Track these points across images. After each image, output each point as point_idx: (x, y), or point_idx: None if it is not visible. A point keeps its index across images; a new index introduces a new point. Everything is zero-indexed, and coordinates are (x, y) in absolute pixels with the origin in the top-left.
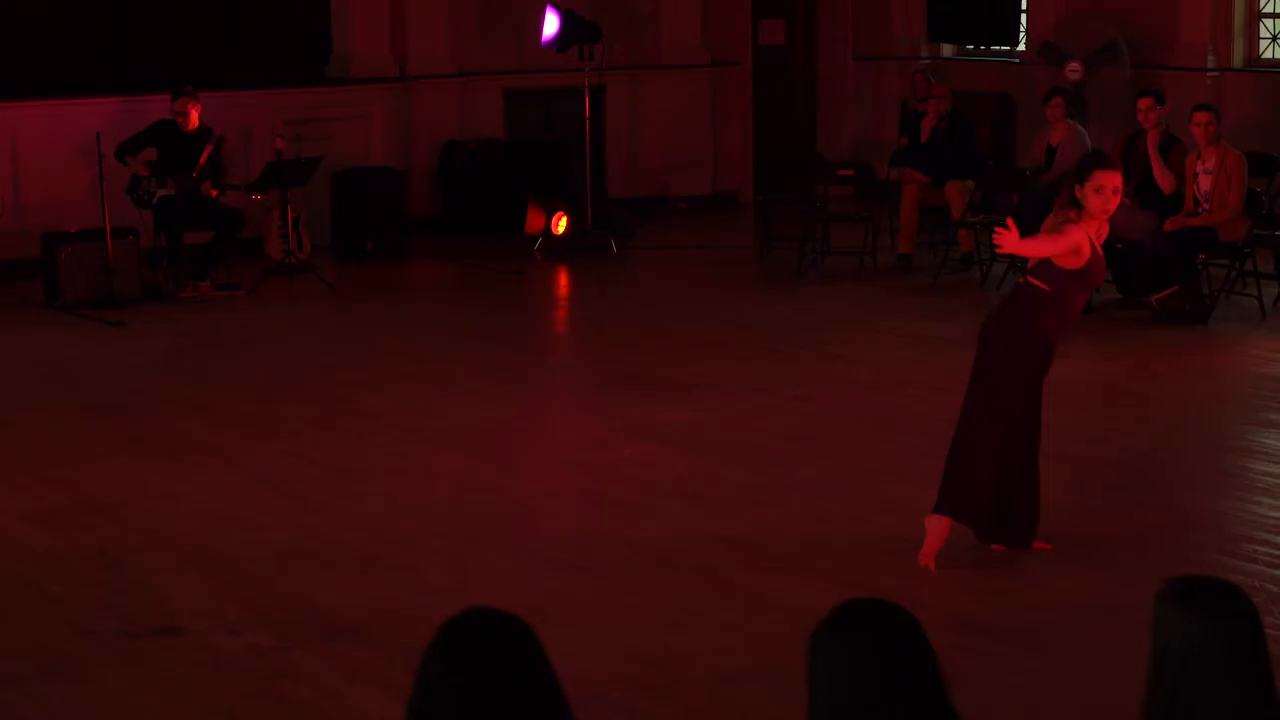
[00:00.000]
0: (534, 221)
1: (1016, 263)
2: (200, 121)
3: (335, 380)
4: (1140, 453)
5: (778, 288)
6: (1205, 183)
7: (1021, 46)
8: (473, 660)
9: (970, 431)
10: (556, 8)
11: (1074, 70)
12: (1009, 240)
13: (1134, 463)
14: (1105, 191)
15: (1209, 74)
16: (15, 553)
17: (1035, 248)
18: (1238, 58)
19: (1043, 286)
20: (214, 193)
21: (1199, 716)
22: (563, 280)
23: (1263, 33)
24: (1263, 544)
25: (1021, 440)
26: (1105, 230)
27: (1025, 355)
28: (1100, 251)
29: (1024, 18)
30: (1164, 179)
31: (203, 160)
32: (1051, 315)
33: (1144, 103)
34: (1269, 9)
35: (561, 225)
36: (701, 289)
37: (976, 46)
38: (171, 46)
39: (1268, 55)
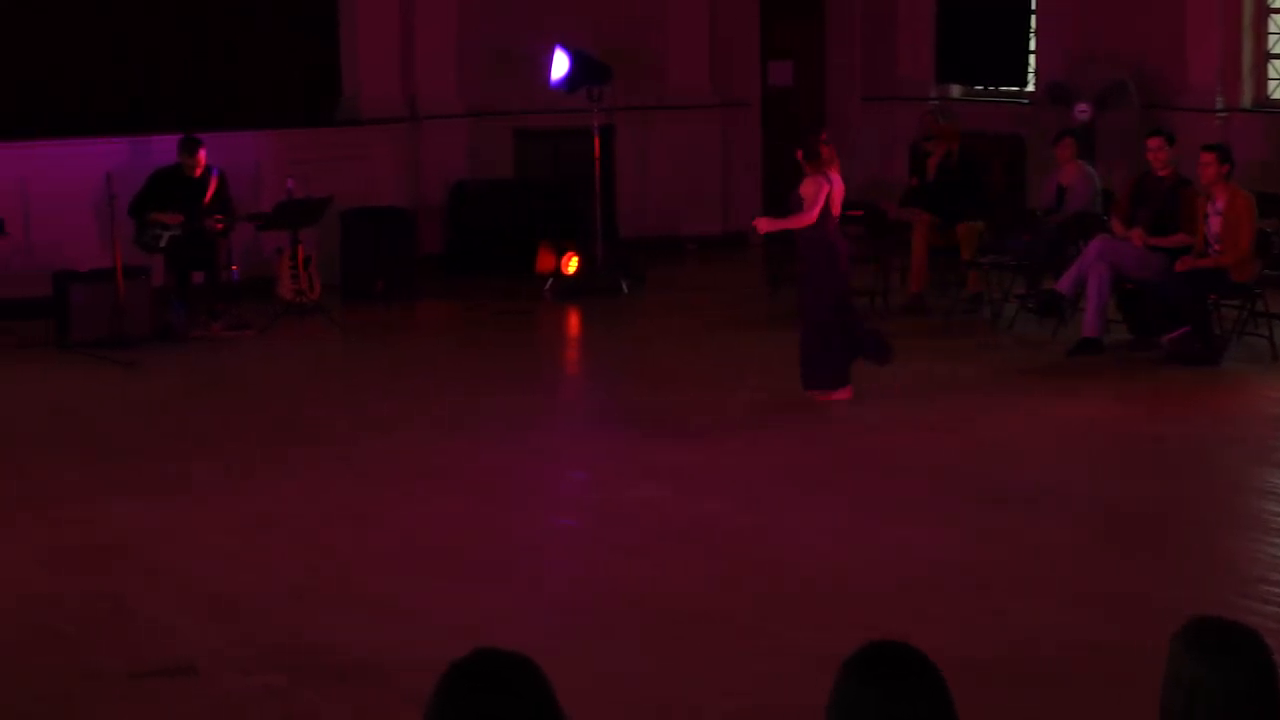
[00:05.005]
0: (544, 262)
1: (1028, 303)
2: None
3: (344, 421)
4: (1153, 495)
5: (787, 328)
6: (1215, 224)
7: (1030, 87)
8: (481, 701)
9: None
10: (566, 49)
11: (1083, 111)
12: None
13: (1147, 505)
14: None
15: (1218, 115)
16: (25, 593)
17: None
18: (1246, 98)
19: None
20: (219, 226)
21: None
22: (573, 321)
23: (1271, 73)
24: (1278, 585)
25: None
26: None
27: None
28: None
29: (1032, 59)
30: (1181, 237)
31: (208, 198)
32: None
33: (1154, 142)
34: (1277, 50)
35: (572, 266)
36: (711, 329)
37: (985, 87)
38: (181, 87)
39: (1277, 96)
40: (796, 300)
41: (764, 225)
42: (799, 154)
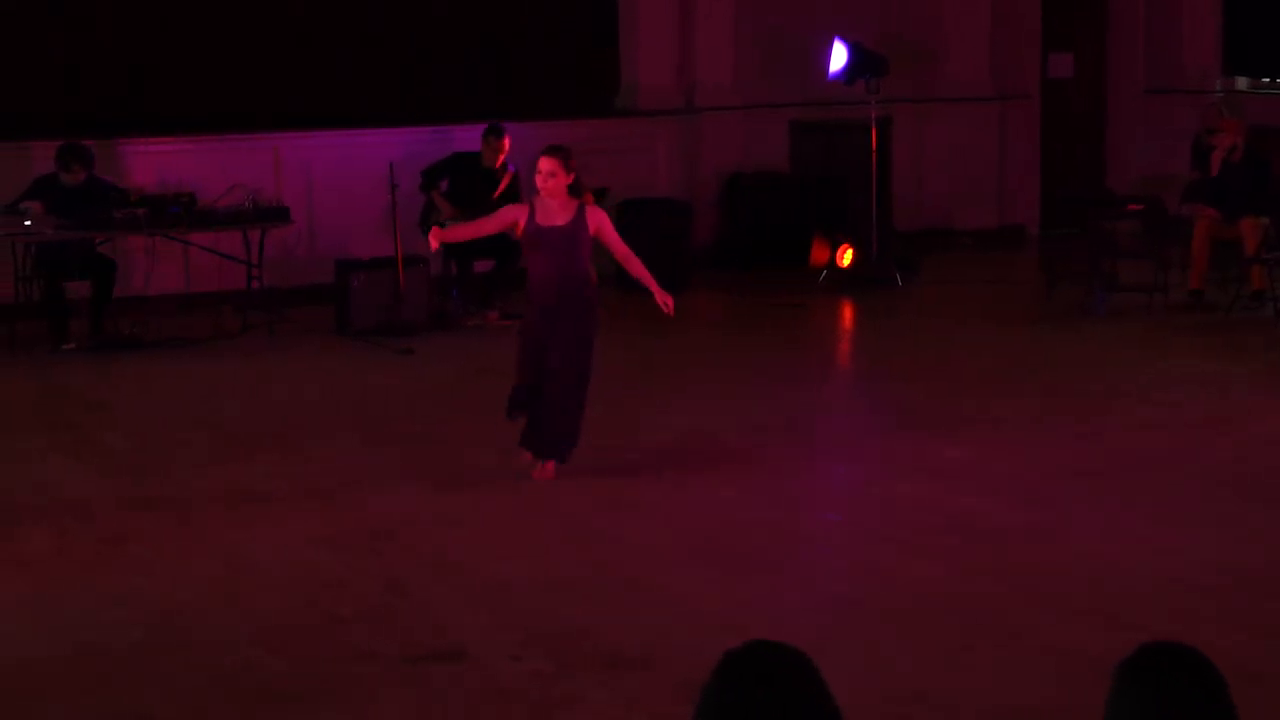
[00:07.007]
0: (818, 254)
1: None
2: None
3: (618, 409)
4: None
5: (1063, 323)
6: None
7: None
8: (757, 692)
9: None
10: (845, 40)
11: None
12: None
13: None
14: (541, 174)
15: None
16: (303, 574)
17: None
18: None
19: None
20: None
21: None
22: (847, 314)
23: None
24: None
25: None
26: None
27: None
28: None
29: None
30: None
31: (498, 194)
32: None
33: None
34: None
35: (847, 258)
36: (986, 324)
37: (1272, 79)
38: (463, 79)
39: None
40: (562, 351)
41: (436, 238)
42: (567, 181)
